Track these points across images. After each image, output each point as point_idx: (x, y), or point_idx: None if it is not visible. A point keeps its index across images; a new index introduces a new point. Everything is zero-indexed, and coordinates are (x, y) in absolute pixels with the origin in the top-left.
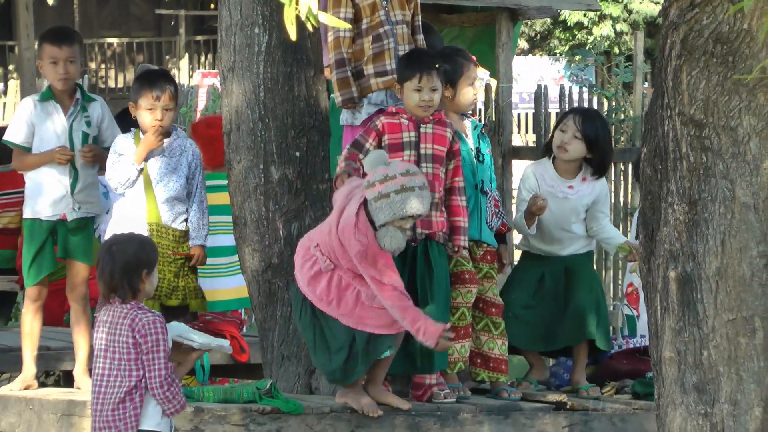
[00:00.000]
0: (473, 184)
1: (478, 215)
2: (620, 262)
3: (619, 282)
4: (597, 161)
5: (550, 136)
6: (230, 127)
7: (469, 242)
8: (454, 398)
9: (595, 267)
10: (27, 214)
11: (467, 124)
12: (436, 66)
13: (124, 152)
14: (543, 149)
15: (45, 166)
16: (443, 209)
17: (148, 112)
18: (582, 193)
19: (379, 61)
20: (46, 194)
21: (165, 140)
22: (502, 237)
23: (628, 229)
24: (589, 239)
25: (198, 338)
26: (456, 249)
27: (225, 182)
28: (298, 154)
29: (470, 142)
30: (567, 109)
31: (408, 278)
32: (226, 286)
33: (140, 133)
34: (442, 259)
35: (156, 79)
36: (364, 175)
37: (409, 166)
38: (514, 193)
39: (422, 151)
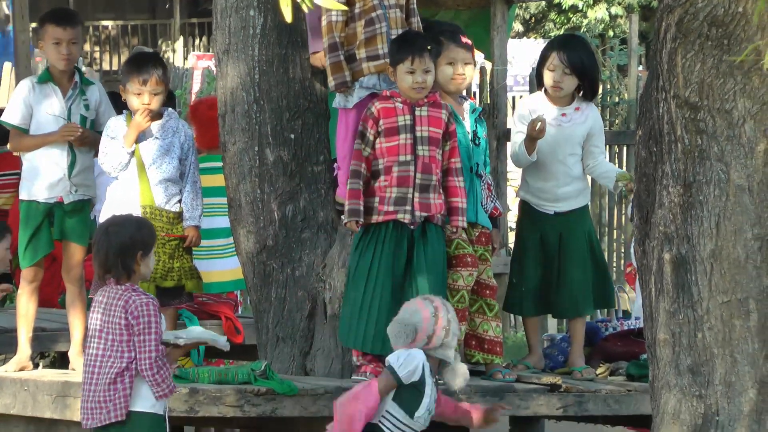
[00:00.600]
0: (468, 167)
1: (474, 198)
2: (615, 244)
3: (614, 265)
4: (587, 86)
5: (536, 70)
6: (225, 109)
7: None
8: None
9: None
10: (23, 195)
11: (465, 107)
12: (428, 48)
13: (116, 135)
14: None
15: (43, 148)
16: (440, 191)
17: (136, 96)
18: (576, 121)
19: (371, 45)
20: (43, 177)
21: (157, 121)
22: (494, 221)
23: (623, 212)
24: (584, 184)
25: (186, 335)
26: (455, 230)
27: (221, 164)
28: (293, 136)
29: (467, 125)
30: (547, 45)
31: (405, 261)
32: (221, 267)
33: (131, 115)
34: (440, 242)
35: (143, 63)
36: (368, 187)
37: (428, 303)
38: (510, 175)
39: (418, 134)
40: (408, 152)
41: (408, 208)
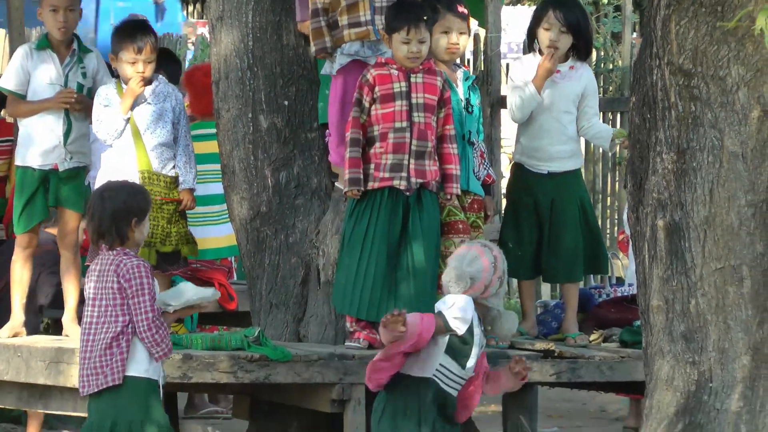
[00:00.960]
0: (461, 135)
1: (465, 165)
2: (608, 211)
3: (607, 232)
4: (582, 45)
5: (528, 30)
6: (219, 76)
7: None
8: None
9: None
10: (18, 161)
11: (459, 74)
12: (424, 18)
13: (110, 103)
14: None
15: (39, 115)
16: (435, 158)
17: (130, 64)
18: (571, 78)
19: (354, 12)
20: (38, 143)
21: (148, 87)
22: (487, 188)
23: (617, 179)
24: (577, 146)
25: (175, 301)
26: (449, 197)
27: (215, 131)
28: (286, 102)
29: (460, 92)
30: (541, 4)
31: (401, 227)
32: (216, 234)
33: (122, 83)
34: (435, 209)
35: (135, 31)
36: (364, 153)
37: (488, 251)
38: (503, 142)
39: (413, 101)
40: (404, 119)
41: (404, 174)
